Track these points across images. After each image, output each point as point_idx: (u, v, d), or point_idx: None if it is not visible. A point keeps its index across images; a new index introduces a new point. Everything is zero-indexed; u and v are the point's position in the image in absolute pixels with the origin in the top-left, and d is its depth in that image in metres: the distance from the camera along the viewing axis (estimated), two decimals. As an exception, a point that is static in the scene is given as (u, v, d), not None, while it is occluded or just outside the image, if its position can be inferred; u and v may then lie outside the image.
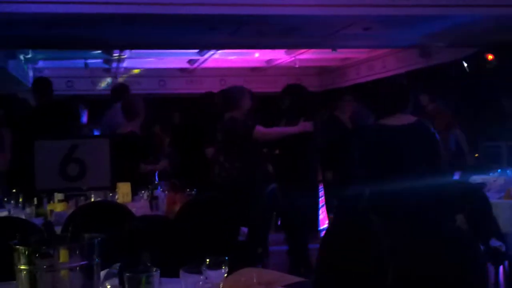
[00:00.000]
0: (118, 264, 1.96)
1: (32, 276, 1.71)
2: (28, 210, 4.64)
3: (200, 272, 2.06)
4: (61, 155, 1.63)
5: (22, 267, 1.71)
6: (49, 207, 4.49)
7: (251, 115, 5.81)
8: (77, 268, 1.75)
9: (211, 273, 2.14)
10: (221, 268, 2.15)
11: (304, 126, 5.69)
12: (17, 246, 1.72)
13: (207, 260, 2.14)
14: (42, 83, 6.54)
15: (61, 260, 1.72)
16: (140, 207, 4.56)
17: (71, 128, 6.31)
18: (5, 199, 4.55)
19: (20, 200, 4.66)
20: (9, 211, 4.47)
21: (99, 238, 1.83)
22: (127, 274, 1.72)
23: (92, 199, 4.66)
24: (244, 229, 4.73)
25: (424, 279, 2.40)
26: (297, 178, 5.86)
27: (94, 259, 1.80)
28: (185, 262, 2.14)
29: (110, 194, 4.82)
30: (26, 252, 1.71)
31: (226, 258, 2.15)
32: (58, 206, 4.58)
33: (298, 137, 5.68)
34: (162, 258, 2.42)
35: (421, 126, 4.05)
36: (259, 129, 5.44)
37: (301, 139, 5.72)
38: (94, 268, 1.80)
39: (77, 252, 1.75)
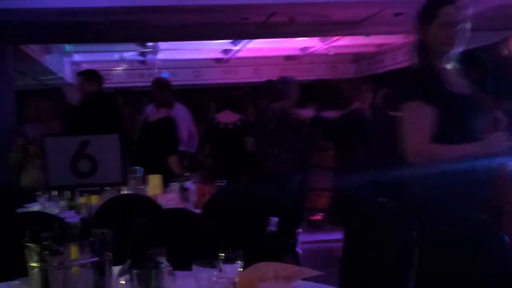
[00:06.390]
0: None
1: (43, 273, 1.72)
2: (61, 203, 4.73)
3: (214, 266, 2.05)
4: (72, 152, 1.64)
5: (34, 264, 1.73)
6: (82, 200, 4.55)
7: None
8: (88, 264, 1.76)
9: (226, 267, 2.14)
10: (237, 262, 2.15)
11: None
12: (28, 244, 1.74)
13: (222, 254, 2.13)
14: (90, 74, 6.64)
15: (72, 257, 1.74)
16: (170, 199, 4.60)
17: (118, 118, 6.42)
18: (39, 193, 4.63)
19: (56, 193, 4.74)
20: (44, 205, 4.56)
21: (110, 234, 1.84)
22: (135, 271, 1.73)
23: (126, 192, 4.72)
24: (275, 219, 4.71)
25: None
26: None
27: (105, 255, 1.81)
28: (209, 255, 2.13)
29: (142, 187, 4.88)
30: (37, 249, 1.72)
31: (241, 251, 2.14)
32: (92, 199, 4.64)
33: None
34: (184, 252, 2.43)
35: None
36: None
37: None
38: (106, 264, 1.81)
39: (88, 249, 1.76)
